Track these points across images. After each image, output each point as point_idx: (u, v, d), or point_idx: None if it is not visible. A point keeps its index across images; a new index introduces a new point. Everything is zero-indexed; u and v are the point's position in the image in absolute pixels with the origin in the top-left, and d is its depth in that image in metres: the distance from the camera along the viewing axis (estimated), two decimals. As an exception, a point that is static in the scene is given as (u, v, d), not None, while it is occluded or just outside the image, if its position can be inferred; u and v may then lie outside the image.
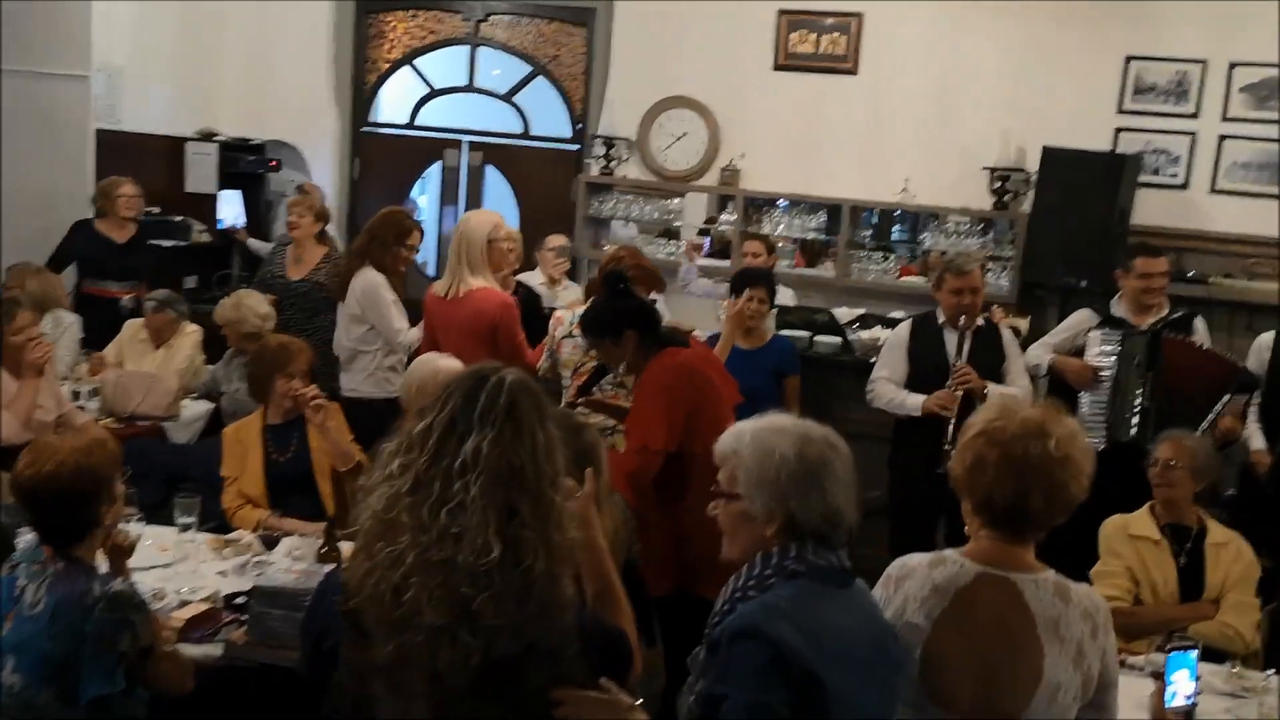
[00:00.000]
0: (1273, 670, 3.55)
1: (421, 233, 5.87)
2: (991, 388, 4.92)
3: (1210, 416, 4.94)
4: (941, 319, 5.12)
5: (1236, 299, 6.68)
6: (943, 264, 5.19)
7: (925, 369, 5.07)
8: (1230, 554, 3.94)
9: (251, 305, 5.73)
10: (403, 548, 2.09)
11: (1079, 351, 5.32)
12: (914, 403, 5.02)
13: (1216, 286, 6.67)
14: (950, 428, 4.82)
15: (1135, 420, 5.09)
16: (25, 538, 3.23)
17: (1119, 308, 5.35)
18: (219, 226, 7.81)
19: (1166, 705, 2.90)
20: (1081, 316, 5.45)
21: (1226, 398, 5.00)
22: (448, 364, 4.38)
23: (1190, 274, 6.66)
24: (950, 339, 5.02)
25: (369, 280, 5.53)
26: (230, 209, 7.92)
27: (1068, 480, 2.34)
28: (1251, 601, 3.89)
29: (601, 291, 4.31)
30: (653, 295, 5.00)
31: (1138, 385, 5.11)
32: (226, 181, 7.92)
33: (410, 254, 5.75)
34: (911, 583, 2.42)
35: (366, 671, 2.18)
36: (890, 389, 5.13)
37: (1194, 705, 3.09)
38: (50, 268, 6.50)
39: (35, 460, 2.82)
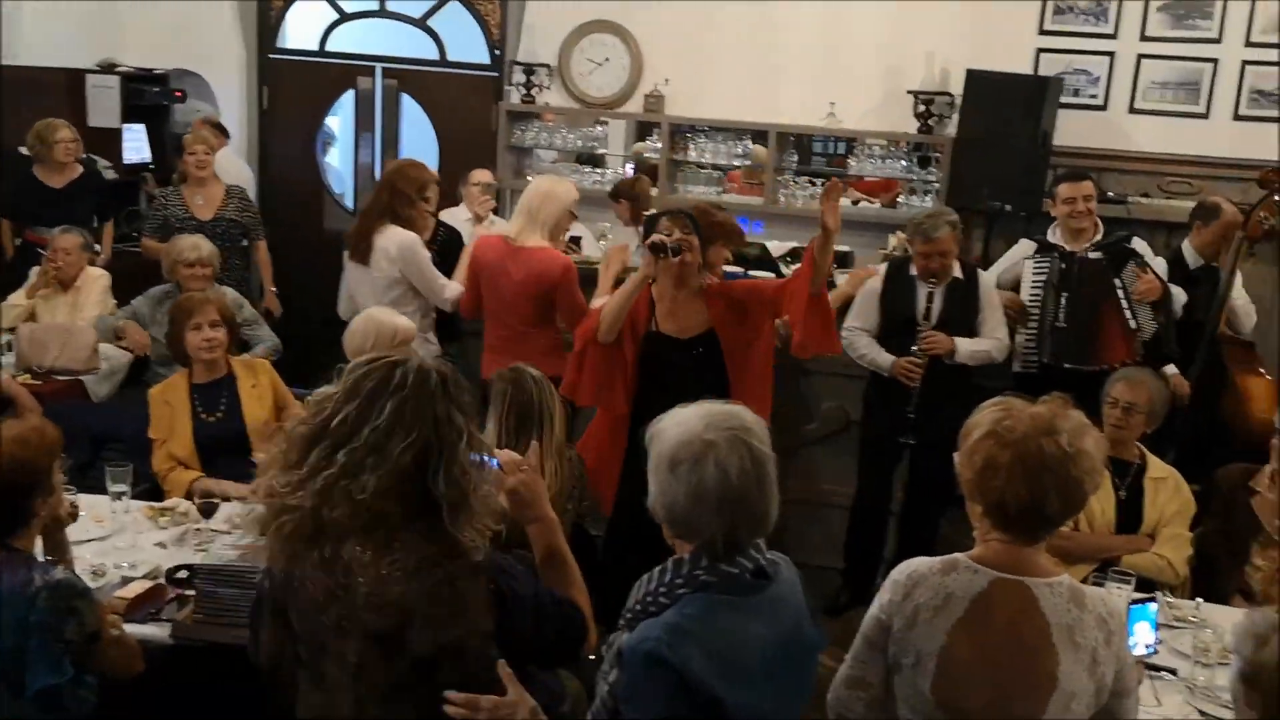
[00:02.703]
0: (1200, 599, 3.66)
1: (439, 184, 5.42)
2: (960, 345, 4.93)
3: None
4: (914, 270, 5.07)
5: (1154, 218, 6.77)
6: (912, 225, 5.09)
7: (896, 321, 5.03)
8: (1169, 489, 4.03)
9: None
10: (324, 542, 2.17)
11: (1018, 281, 5.38)
12: (885, 362, 5.01)
13: (1135, 205, 6.76)
14: (915, 395, 4.91)
15: (1050, 340, 5.18)
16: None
17: (1054, 234, 5.40)
18: (124, 162, 7.53)
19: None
20: (1022, 246, 5.50)
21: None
22: (404, 322, 4.27)
23: (1110, 194, 6.72)
24: (923, 292, 4.99)
25: (403, 239, 5.06)
26: (136, 143, 7.64)
27: (1081, 477, 2.27)
28: (1185, 535, 3.99)
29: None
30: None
31: (1052, 306, 5.19)
32: (130, 115, 7.62)
33: (430, 207, 5.30)
34: (922, 590, 2.34)
35: (287, 661, 2.29)
36: (865, 342, 5.08)
37: (1155, 654, 3.21)
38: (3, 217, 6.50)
39: (-31, 452, 2.71)
